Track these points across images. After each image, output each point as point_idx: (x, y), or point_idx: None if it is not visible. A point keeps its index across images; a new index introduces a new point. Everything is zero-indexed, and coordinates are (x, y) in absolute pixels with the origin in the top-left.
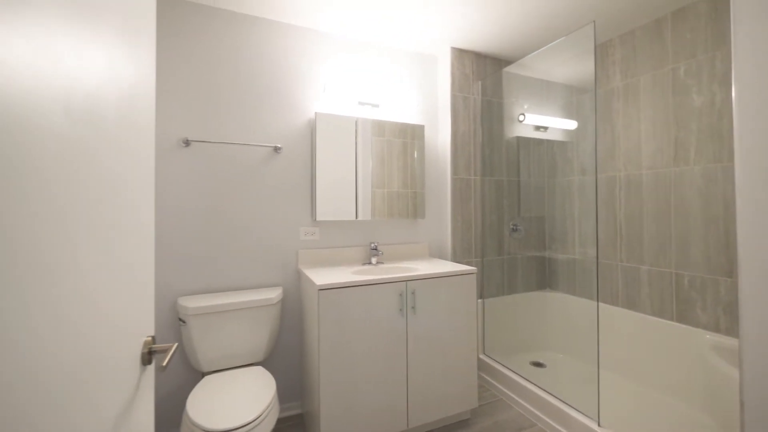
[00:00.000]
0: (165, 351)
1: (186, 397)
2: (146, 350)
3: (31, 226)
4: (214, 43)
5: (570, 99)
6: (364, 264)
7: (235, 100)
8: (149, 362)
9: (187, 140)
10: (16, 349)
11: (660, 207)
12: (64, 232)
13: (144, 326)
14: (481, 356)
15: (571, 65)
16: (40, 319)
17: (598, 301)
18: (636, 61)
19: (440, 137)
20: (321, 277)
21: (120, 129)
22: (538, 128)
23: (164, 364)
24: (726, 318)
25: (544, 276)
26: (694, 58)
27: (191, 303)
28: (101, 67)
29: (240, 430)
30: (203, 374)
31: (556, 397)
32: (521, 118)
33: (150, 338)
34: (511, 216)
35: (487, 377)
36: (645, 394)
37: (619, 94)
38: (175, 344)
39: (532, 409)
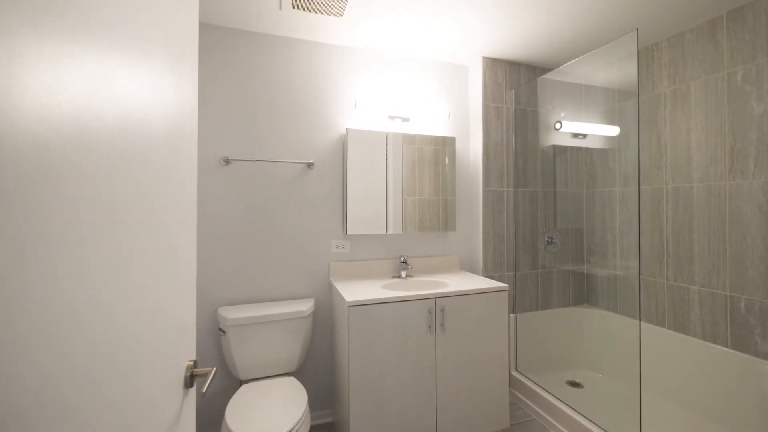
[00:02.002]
0: (205, 375)
1: (224, 401)
2: (188, 374)
3: (96, 248)
4: (249, 66)
5: (612, 104)
6: (393, 277)
7: (270, 120)
8: (191, 385)
9: (228, 159)
10: (74, 379)
11: (713, 223)
12: (123, 260)
13: (187, 351)
14: (514, 373)
15: (613, 69)
16: (100, 349)
17: (640, 320)
18: (686, 65)
19: (471, 148)
20: (351, 292)
21: (166, 154)
22: (576, 135)
23: (204, 390)
24: None
25: (582, 291)
26: (754, 62)
27: (230, 314)
28: (150, 94)
29: None
30: (241, 382)
31: (594, 423)
32: (558, 125)
33: (192, 362)
34: (547, 228)
35: (519, 395)
36: (693, 422)
37: (667, 100)
38: (215, 368)
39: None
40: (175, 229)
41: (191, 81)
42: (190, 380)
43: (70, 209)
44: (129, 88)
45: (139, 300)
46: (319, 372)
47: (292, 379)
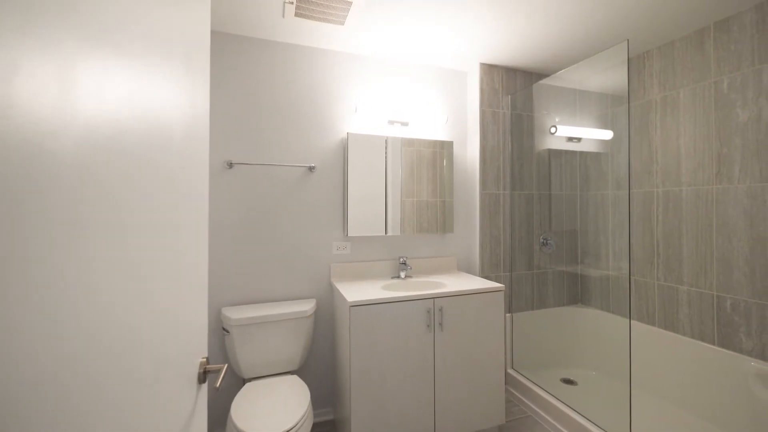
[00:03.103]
0: (217, 371)
1: (228, 399)
2: (202, 370)
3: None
4: (252, 71)
5: (605, 110)
6: (392, 278)
7: (272, 124)
8: (204, 381)
9: (231, 163)
10: (105, 370)
11: (701, 225)
12: (147, 260)
13: (200, 347)
14: (510, 371)
15: (606, 76)
16: (126, 343)
17: (630, 318)
18: (675, 73)
19: (469, 152)
20: (352, 292)
21: (183, 157)
22: (570, 140)
23: (217, 385)
24: None
25: (576, 291)
26: (739, 71)
27: (234, 314)
28: (171, 101)
29: None
30: (244, 380)
31: (586, 419)
32: (553, 130)
33: (204, 359)
34: (542, 230)
35: (515, 392)
36: (681, 418)
37: (657, 106)
38: (225, 365)
39: (561, 428)
40: (190, 230)
41: (204, 87)
42: (203, 376)
43: (109, 207)
44: (157, 95)
45: (158, 301)
46: (320, 371)
47: (295, 377)
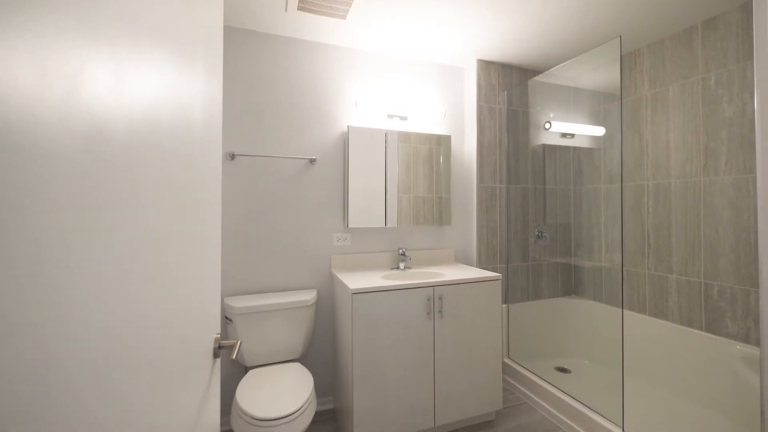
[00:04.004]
0: (231, 346)
1: (232, 388)
2: (216, 345)
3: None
4: (254, 64)
5: (597, 106)
6: (392, 269)
7: (274, 116)
8: (218, 356)
9: (233, 154)
10: (136, 341)
11: (689, 216)
12: (175, 242)
13: (214, 324)
14: (506, 360)
15: (598, 73)
16: (151, 319)
17: (623, 308)
18: (665, 70)
19: (466, 146)
20: (353, 281)
21: (202, 146)
22: (564, 135)
23: (232, 357)
24: (757, 329)
25: (570, 283)
26: (725, 67)
27: (237, 303)
28: (193, 92)
29: (284, 419)
30: (246, 368)
31: (580, 402)
32: (547, 126)
33: (218, 335)
34: (537, 223)
35: (512, 381)
36: (671, 402)
37: (648, 103)
38: (239, 341)
39: (556, 413)
40: (208, 215)
41: (218, 80)
42: (218, 351)
43: (147, 190)
44: (182, 86)
45: (182, 284)
46: (321, 361)
47: (298, 364)
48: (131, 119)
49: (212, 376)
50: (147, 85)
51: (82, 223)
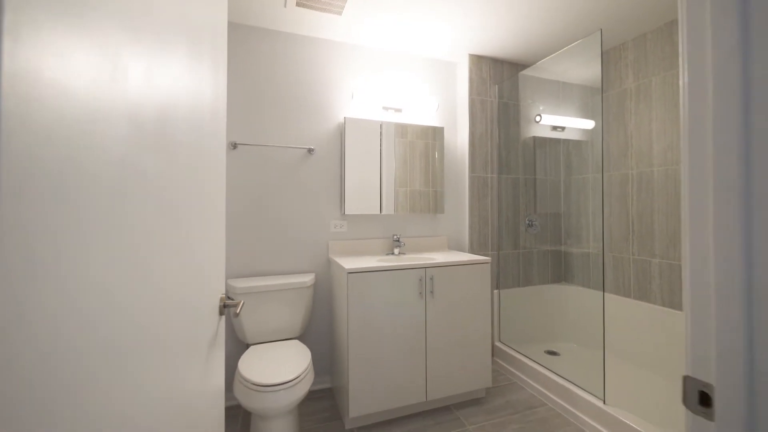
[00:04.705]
0: (235, 305)
1: (233, 365)
2: (221, 304)
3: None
4: (255, 58)
5: (586, 99)
6: (387, 254)
7: (274, 108)
8: (223, 313)
9: (235, 144)
10: (164, 295)
11: (670, 202)
12: (196, 216)
13: (219, 285)
14: (497, 344)
15: (586, 67)
16: (172, 277)
17: (604, 290)
18: (647, 63)
19: (459, 138)
20: (349, 263)
21: (210, 135)
22: (555, 128)
23: (237, 311)
24: None
25: (560, 270)
26: None
27: (239, 284)
28: (201, 85)
29: (284, 385)
30: (248, 346)
31: (564, 378)
32: (538, 119)
33: (223, 295)
34: (528, 212)
35: (503, 363)
36: (652, 379)
37: (632, 95)
38: (242, 301)
39: (543, 390)
40: (214, 195)
41: (223, 73)
42: (222, 309)
43: (167, 172)
44: (192, 80)
45: (197, 251)
46: (318, 342)
47: (296, 341)
48: (159, 106)
49: (218, 329)
50: (169, 77)
51: (123, 197)
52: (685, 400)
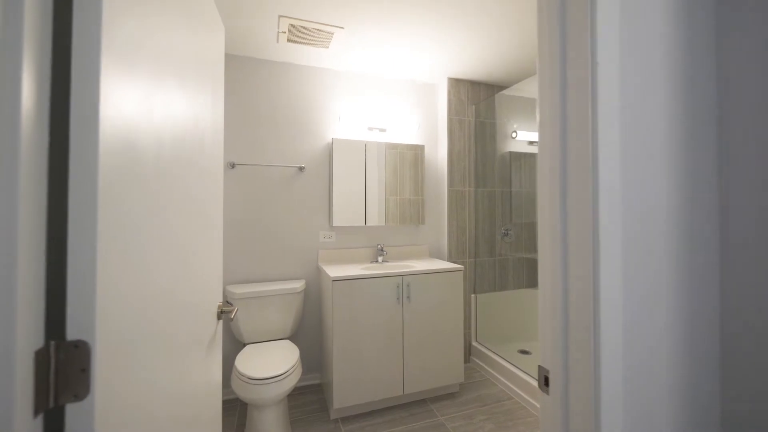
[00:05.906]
0: (230, 312)
1: (231, 364)
2: (219, 310)
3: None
4: (251, 85)
5: None
6: (371, 262)
7: (268, 130)
8: (220, 318)
9: (233, 163)
10: (170, 297)
11: None
12: (200, 231)
13: (218, 293)
14: (474, 343)
15: None
16: (183, 284)
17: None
18: None
19: (439, 154)
20: (335, 271)
21: (210, 157)
22: (531, 143)
23: (232, 317)
24: None
25: (534, 276)
26: None
27: (237, 290)
28: (204, 112)
29: (274, 379)
30: (244, 345)
31: (529, 375)
32: (514, 134)
33: (221, 302)
34: (503, 222)
35: (478, 361)
36: None
37: None
38: (236, 308)
39: (511, 385)
40: (212, 212)
41: (220, 101)
42: (220, 314)
43: (176, 193)
44: (196, 109)
45: (199, 264)
46: (308, 342)
47: (287, 341)
48: (173, 136)
49: (216, 332)
50: (179, 108)
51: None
52: (539, 383)
